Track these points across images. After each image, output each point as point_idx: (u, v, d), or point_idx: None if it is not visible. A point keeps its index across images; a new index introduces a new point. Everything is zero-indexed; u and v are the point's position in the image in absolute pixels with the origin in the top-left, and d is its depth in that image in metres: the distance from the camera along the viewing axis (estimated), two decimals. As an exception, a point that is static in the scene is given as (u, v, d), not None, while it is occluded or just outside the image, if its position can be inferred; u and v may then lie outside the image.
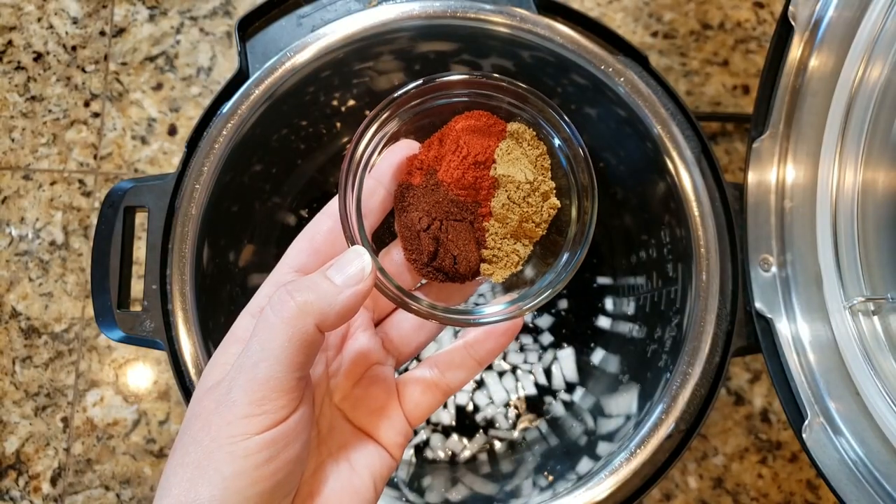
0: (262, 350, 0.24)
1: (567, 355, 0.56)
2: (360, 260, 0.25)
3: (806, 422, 0.38)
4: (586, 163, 0.28)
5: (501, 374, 0.57)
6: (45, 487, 0.56)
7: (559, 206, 0.29)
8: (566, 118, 0.28)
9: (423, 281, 0.30)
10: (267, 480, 0.24)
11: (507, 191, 0.28)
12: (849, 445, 0.37)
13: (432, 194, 0.28)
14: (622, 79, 0.42)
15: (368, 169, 0.29)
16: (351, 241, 0.27)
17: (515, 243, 0.29)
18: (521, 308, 0.28)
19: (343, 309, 0.25)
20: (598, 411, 0.51)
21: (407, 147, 0.29)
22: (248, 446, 0.24)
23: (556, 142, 0.29)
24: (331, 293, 0.25)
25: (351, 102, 0.51)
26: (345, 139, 0.55)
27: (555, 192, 0.29)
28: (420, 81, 0.28)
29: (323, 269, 0.26)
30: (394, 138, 0.29)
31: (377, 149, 0.29)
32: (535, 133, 0.29)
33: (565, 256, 0.29)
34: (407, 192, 0.28)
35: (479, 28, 0.43)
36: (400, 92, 0.28)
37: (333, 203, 0.28)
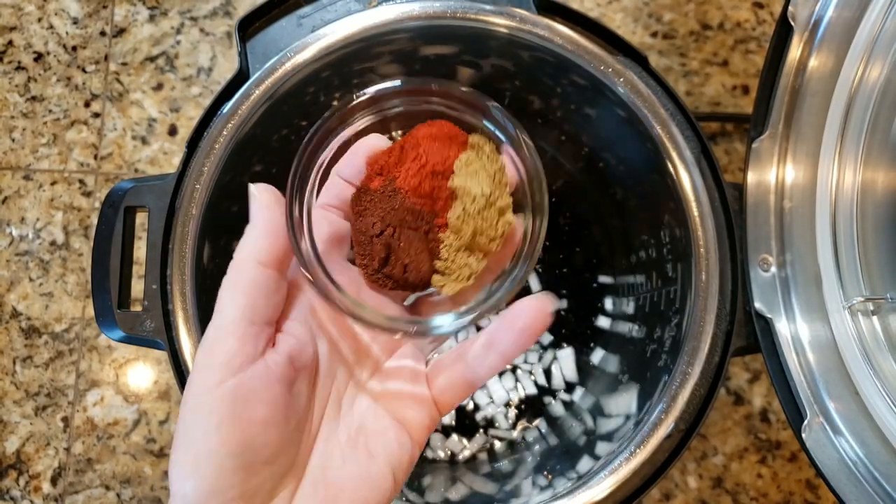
0: (215, 311, 0.25)
1: (567, 355, 0.56)
2: (251, 194, 0.27)
3: (805, 421, 0.38)
4: (540, 183, 0.28)
5: (501, 373, 0.57)
6: (46, 487, 0.56)
7: (513, 222, 0.28)
8: (526, 137, 0.28)
9: (411, 300, 0.30)
10: (234, 441, 0.23)
11: (463, 203, 0.27)
12: (848, 445, 0.37)
13: (389, 200, 0.28)
14: (622, 79, 0.42)
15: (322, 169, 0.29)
16: (297, 253, 0.27)
17: (469, 257, 0.28)
18: (457, 323, 0.28)
19: (261, 232, 0.26)
20: (597, 411, 0.51)
21: (376, 141, 0.29)
22: (208, 402, 0.24)
23: (513, 158, 0.29)
24: (249, 231, 0.26)
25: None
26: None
27: (512, 208, 0.28)
28: (386, 85, 0.28)
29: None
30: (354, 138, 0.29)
31: (331, 153, 0.29)
32: (495, 146, 0.29)
33: (514, 272, 0.28)
34: (364, 197, 0.28)
35: (480, 28, 0.43)
36: (362, 94, 0.28)
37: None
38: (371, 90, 0.28)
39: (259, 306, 0.25)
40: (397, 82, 0.28)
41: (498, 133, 0.28)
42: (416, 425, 0.28)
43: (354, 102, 0.28)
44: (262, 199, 0.27)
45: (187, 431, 0.24)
